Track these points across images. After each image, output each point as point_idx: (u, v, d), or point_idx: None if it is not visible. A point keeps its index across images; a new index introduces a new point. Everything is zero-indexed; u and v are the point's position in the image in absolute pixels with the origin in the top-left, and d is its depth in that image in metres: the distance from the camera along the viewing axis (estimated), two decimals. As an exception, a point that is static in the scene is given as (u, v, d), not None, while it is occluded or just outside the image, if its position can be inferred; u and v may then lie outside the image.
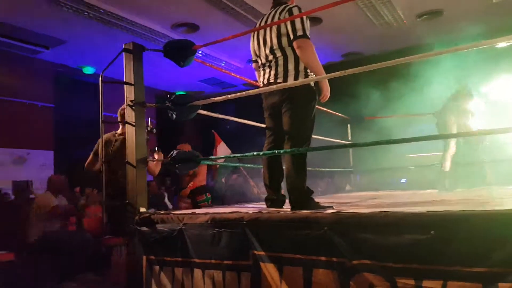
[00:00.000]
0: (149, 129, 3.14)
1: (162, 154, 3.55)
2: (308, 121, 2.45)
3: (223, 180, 6.90)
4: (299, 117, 2.41)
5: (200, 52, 6.37)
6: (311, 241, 1.66)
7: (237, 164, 5.72)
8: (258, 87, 3.51)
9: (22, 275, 4.53)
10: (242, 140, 6.85)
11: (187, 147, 4.91)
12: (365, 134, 5.68)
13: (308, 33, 2.37)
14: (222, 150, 5.77)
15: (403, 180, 6.62)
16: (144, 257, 2.18)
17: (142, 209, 2.32)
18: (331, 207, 2.25)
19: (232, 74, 3.31)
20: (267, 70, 2.55)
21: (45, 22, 5.52)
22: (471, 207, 1.64)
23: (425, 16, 5.68)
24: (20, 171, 6.56)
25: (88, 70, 7.57)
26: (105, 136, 3.35)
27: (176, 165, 2.45)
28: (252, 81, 3.72)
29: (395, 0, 5.19)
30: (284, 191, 2.55)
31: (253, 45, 2.64)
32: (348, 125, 5.71)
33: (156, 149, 3.38)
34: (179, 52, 2.48)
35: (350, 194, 4.78)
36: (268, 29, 2.48)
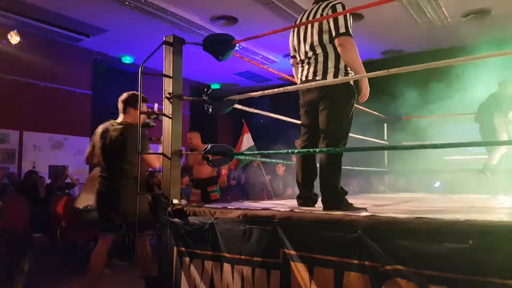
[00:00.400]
0: (153, 117, 3.10)
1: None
2: (345, 120, 2.40)
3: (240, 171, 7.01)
4: (337, 116, 2.37)
5: (237, 45, 6.39)
6: (343, 244, 1.64)
7: (264, 158, 5.71)
8: (292, 82, 3.49)
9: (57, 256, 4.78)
10: (276, 135, 6.84)
11: (196, 136, 4.90)
12: (402, 134, 5.53)
13: (351, 31, 2.32)
14: (247, 141, 5.76)
15: (437, 183, 6.41)
16: (175, 248, 2.22)
17: (175, 201, 2.37)
18: (364, 209, 2.21)
19: (269, 69, 3.30)
20: (306, 67, 2.52)
21: (87, 10, 5.70)
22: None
23: (471, 15, 5.42)
24: (57, 156, 6.84)
25: (127, 59, 7.76)
26: (102, 126, 3.28)
27: (211, 159, 2.48)
28: (287, 76, 3.70)
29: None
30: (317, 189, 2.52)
31: (292, 40, 2.61)
32: (385, 125, 5.58)
33: (161, 139, 3.23)
34: (219, 46, 2.49)
35: (384, 196, 4.67)
36: (309, 25, 2.44)
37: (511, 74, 4.30)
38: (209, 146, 2.51)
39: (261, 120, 7.87)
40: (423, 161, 5.29)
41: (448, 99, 5.12)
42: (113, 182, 3.14)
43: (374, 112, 4.94)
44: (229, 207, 2.19)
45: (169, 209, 2.30)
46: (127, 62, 7.81)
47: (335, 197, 2.28)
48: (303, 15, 2.58)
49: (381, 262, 1.56)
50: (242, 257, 1.91)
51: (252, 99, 8.52)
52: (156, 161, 3.14)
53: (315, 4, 2.53)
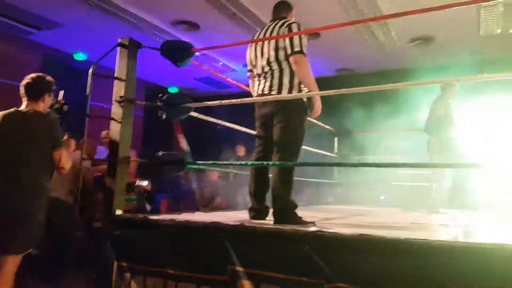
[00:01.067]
0: (58, 106, 2.67)
1: (74, 142, 3.11)
2: (298, 134, 2.47)
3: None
4: (290, 130, 2.43)
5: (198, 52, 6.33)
6: (292, 260, 1.64)
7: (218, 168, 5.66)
8: (249, 92, 3.51)
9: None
10: (233, 141, 6.83)
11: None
12: (351, 148, 5.73)
13: (305, 49, 2.42)
14: (184, 142, 5.19)
15: (382, 197, 6.68)
16: (116, 263, 2.08)
17: (119, 211, 2.24)
18: (313, 223, 2.25)
19: (228, 78, 3.29)
20: (262, 81, 2.57)
21: (40, 2, 5.40)
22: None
23: (417, 41, 5.83)
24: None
25: (80, 56, 7.43)
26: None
27: (163, 168, 2.41)
28: (244, 86, 3.70)
29: (391, 23, 5.28)
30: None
31: (249, 54, 2.66)
32: (335, 138, 5.75)
33: (66, 136, 2.67)
34: (177, 53, 2.46)
35: (333, 207, 4.80)
36: (266, 41, 2.51)
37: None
38: (161, 153, 2.45)
39: (218, 127, 7.83)
40: (373, 174, 5.50)
41: (394, 116, 5.40)
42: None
43: (325, 125, 5.08)
44: (176, 219, 2.10)
45: (111, 219, 2.18)
46: (79, 59, 7.46)
47: (286, 211, 2.30)
48: (261, 31, 2.65)
49: (325, 279, 1.57)
50: (187, 273, 1.84)
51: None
52: (66, 162, 2.49)
53: (272, 22, 2.62)
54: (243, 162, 2.44)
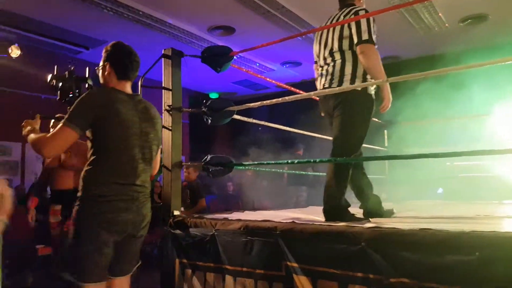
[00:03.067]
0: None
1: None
2: (357, 131, 2.30)
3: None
4: (348, 125, 2.28)
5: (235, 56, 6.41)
6: (347, 256, 1.61)
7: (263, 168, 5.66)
8: (290, 90, 3.48)
9: (59, 267, 4.72)
10: (274, 143, 6.83)
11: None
12: (402, 140, 5.49)
13: (374, 38, 2.24)
14: None
15: (440, 190, 6.37)
16: (177, 260, 2.20)
17: (176, 212, 2.35)
18: (367, 220, 2.18)
19: (267, 78, 3.30)
20: (324, 74, 2.45)
21: (85, 23, 5.71)
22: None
23: (468, 21, 5.45)
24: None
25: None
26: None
27: (210, 170, 2.46)
28: (283, 85, 3.69)
29: (438, 4, 5.01)
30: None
31: (315, 46, 2.55)
32: (385, 131, 5.55)
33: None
34: (217, 58, 2.49)
35: (387, 204, 4.63)
36: (331, 31, 2.38)
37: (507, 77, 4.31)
38: (209, 157, 2.50)
39: (260, 128, 7.88)
40: (424, 167, 5.26)
41: (447, 104, 5.11)
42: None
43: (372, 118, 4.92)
44: (230, 219, 2.17)
45: (170, 220, 2.29)
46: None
47: (338, 209, 2.24)
48: (328, 21, 2.49)
49: (385, 274, 1.53)
50: (244, 269, 1.89)
51: (251, 108, 8.56)
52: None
53: (338, 11, 2.47)
54: (289, 161, 2.42)
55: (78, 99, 1.77)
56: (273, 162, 2.57)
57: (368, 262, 1.57)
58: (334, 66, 2.36)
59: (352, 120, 2.28)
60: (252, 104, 2.54)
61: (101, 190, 1.71)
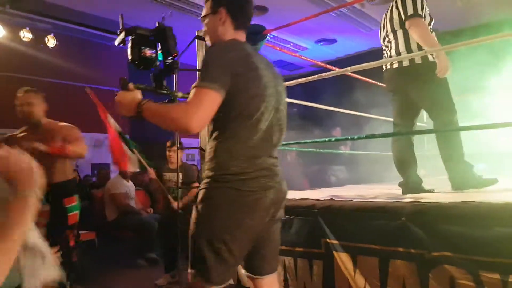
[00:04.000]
0: None
1: None
2: (441, 96, 2.33)
3: None
4: (432, 95, 2.33)
5: (268, 35, 6.35)
6: (388, 231, 1.61)
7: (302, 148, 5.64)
8: (326, 68, 3.43)
9: (102, 252, 4.99)
10: (310, 123, 6.78)
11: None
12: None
13: (420, 12, 2.30)
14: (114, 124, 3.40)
15: (481, 166, 6.08)
16: None
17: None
18: (496, 180, 2.20)
19: (302, 57, 3.26)
20: (386, 56, 2.56)
21: (118, 10, 5.83)
22: None
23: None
24: (98, 154, 7.09)
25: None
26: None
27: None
28: (319, 63, 3.62)
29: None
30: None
31: (379, 33, 2.68)
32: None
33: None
34: (251, 37, 2.48)
35: (427, 179, 4.51)
36: (386, 14, 2.52)
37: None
38: None
39: (295, 109, 7.83)
40: (466, 142, 5.03)
41: (488, 76, 4.82)
42: None
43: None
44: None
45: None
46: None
47: (462, 175, 2.26)
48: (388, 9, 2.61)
49: (427, 248, 1.52)
50: (284, 247, 1.91)
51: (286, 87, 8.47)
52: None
53: None
54: (327, 139, 2.41)
55: (208, 53, 1.39)
56: (310, 141, 2.56)
57: (409, 237, 1.56)
58: (390, 47, 2.48)
59: (431, 89, 2.32)
60: (286, 83, 2.52)
61: (240, 166, 1.33)
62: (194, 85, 1.31)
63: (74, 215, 2.84)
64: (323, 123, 6.61)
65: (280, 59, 8.09)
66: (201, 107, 1.27)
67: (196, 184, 3.85)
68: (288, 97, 3.07)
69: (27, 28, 5.73)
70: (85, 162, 6.89)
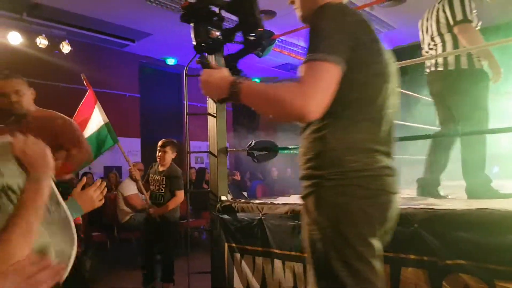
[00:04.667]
0: None
1: None
2: (477, 106, 2.28)
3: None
4: (467, 103, 2.31)
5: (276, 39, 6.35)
6: (399, 238, 1.57)
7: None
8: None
9: (113, 253, 5.02)
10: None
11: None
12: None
13: (470, 17, 2.26)
14: (97, 117, 3.49)
15: (495, 169, 5.99)
16: (226, 244, 2.26)
17: (223, 197, 2.40)
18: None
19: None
20: (428, 58, 2.54)
21: (131, 16, 5.90)
22: None
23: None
24: (110, 157, 7.14)
25: (171, 61, 7.97)
26: None
27: (255, 155, 2.48)
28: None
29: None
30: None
31: (420, 34, 2.67)
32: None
33: None
34: (257, 43, 2.48)
35: (443, 184, 4.44)
36: (430, 17, 2.50)
37: None
38: (253, 142, 2.52)
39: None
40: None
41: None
42: None
43: (423, 97, 4.69)
44: (276, 203, 2.19)
45: (218, 205, 2.34)
46: (170, 63, 8.02)
47: (477, 185, 2.25)
48: (429, 10, 2.60)
49: (441, 256, 1.48)
50: (293, 253, 1.90)
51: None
52: None
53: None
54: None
55: (319, 15, 1.07)
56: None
57: (421, 244, 1.52)
58: (436, 50, 2.45)
59: (467, 97, 2.30)
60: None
61: (361, 161, 1.04)
62: (306, 58, 1.01)
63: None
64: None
65: (287, 62, 8.09)
66: (320, 86, 0.96)
67: (181, 193, 3.54)
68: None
69: (43, 35, 5.83)
70: (98, 164, 6.94)
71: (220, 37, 1.36)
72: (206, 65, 1.21)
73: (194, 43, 1.28)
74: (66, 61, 6.36)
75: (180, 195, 3.55)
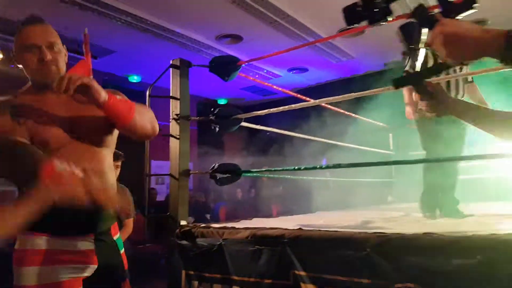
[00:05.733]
0: None
1: None
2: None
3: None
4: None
5: (241, 61, 6.47)
6: (353, 262, 1.64)
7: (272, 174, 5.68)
8: (296, 97, 3.53)
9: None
10: (284, 148, 6.85)
11: None
12: (407, 143, 5.47)
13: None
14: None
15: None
16: (184, 272, 2.19)
17: (183, 222, 2.37)
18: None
19: (273, 86, 3.35)
20: None
21: (94, 33, 5.82)
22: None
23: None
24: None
25: (134, 78, 7.89)
26: None
27: (218, 178, 2.50)
28: (290, 92, 3.73)
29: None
30: None
31: None
32: (390, 135, 5.56)
33: None
34: (224, 67, 2.55)
35: (393, 206, 4.65)
36: None
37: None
38: (217, 165, 2.54)
39: (267, 133, 7.93)
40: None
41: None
42: None
43: (377, 122, 4.94)
44: (237, 227, 2.18)
45: (177, 231, 2.29)
46: (134, 81, 7.93)
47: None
48: None
49: (391, 280, 1.55)
50: (252, 279, 1.89)
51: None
52: None
53: None
54: (296, 167, 2.46)
55: None
56: (280, 169, 2.61)
57: (374, 268, 1.59)
58: None
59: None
60: (259, 112, 2.60)
61: None
62: None
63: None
64: (298, 148, 6.71)
65: (254, 85, 8.24)
66: None
67: (130, 222, 3.10)
68: (262, 123, 3.17)
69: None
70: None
71: None
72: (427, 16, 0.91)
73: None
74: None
75: (130, 224, 3.07)
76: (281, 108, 2.49)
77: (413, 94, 3.01)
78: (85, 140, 1.46)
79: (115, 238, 1.58)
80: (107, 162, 1.53)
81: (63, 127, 1.41)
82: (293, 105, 2.47)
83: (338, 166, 2.30)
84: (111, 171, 1.54)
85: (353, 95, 2.39)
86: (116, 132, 1.59)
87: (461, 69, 2.82)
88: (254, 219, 2.98)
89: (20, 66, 1.50)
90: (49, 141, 1.36)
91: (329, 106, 3.79)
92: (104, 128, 1.51)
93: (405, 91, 3.21)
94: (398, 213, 3.32)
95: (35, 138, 1.34)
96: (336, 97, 2.35)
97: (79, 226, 1.41)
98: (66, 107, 1.46)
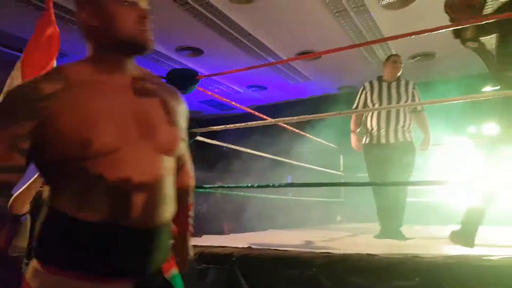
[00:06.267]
0: None
1: None
2: None
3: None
4: None
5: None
6: (301, 282, 1.66)
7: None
8: (252, 113, 3.57)
9: None
10: (241, 164, 6.82)
11: None
12: (357, 164, 5.67)
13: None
14: None
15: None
16: None
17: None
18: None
19: (232, 102, 3.37)
20: None
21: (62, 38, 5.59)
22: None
23: (418, 58, 5.92)
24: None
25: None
26: None
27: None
28: (248, 109, 3.77)
29: (392, 42, 5.39)
30: None
31: None
32: (341, 156, 5.74)
33: None
34: (182, 80, 2.53)
35: (342, 226, 4.78)
36: None
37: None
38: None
39: (224, 148, 7.89)
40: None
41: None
42: None
43: (327, 142, 5.09)
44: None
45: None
46: None
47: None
48: None
49: (335, 300, 1.59)
50: None
51: (216, 125, 8.58)
52: None
53: None
54: (249, 185, 2.47)
55: None
56: (233, 185, 2.61)
57: (320, 287, 1.62)
58: None
59: None
60: (215, 127, 2.60)
61: None
62: None
63: None
64: (253, 164, 6.73)
65: (213, 99, 8.22)
66: None
67: None
68: (219, 138, 3.16)
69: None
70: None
71: None
72: None
73: None
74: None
75: None
76: (237, 125, 2.51)
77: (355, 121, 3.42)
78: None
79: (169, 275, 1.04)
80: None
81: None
82: (249, 123, 2.50)
83: (291, 185, 2.35)
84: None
85: (309, 117, 2.45)
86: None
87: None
88: (204, 236, 2.93)
89: (95, 24, 1.00)
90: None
91: (285, 125, 3.87)
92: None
93: (352, 118, 3.45)
94: (345, 233, 3.42)
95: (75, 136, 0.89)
96: (293, 117, 2.41)
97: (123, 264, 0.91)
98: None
